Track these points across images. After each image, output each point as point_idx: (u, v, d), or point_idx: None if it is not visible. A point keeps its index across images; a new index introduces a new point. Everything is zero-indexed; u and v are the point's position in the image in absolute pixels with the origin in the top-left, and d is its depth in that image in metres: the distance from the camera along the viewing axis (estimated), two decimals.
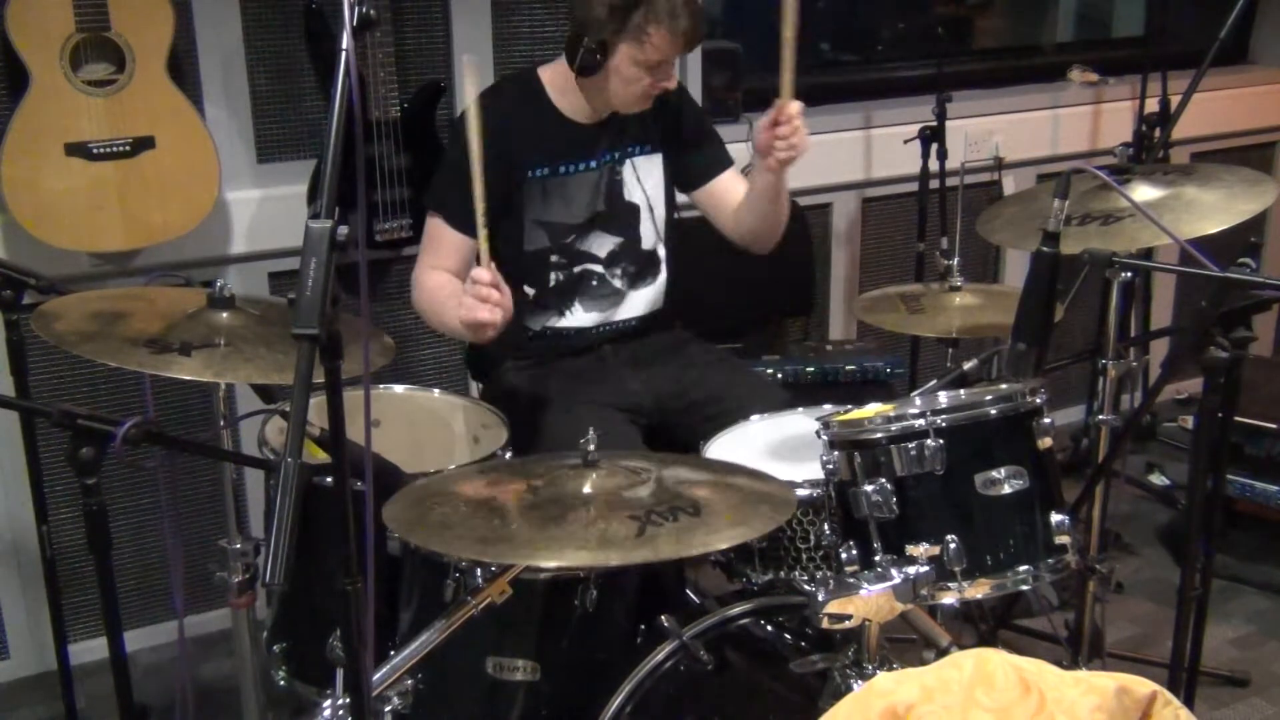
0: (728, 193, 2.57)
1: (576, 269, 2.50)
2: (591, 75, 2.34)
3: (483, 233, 2.01)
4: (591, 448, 1.80)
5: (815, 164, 3.44)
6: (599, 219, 2.49)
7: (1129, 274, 2.05)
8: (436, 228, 2.42)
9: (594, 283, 2.52)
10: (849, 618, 1.63)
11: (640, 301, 2.56)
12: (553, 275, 2.48)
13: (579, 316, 2.52)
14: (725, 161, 2.60)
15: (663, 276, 2.57)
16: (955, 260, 2.65)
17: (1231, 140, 4.08)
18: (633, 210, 2.52)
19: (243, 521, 2.14)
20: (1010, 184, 3.73)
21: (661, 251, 2.57)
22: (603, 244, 2.51)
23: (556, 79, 2.43)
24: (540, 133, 2.42)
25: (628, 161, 2.50)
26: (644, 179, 2.52)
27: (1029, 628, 2.80)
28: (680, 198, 2.62)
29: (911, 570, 1.68)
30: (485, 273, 2.05)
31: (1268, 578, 3.19)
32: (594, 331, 2.53)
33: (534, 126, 2.42)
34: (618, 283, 2.53)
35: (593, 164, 2.46)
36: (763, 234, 2.53)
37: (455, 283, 2.36)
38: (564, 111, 2.44)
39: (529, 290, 2.48)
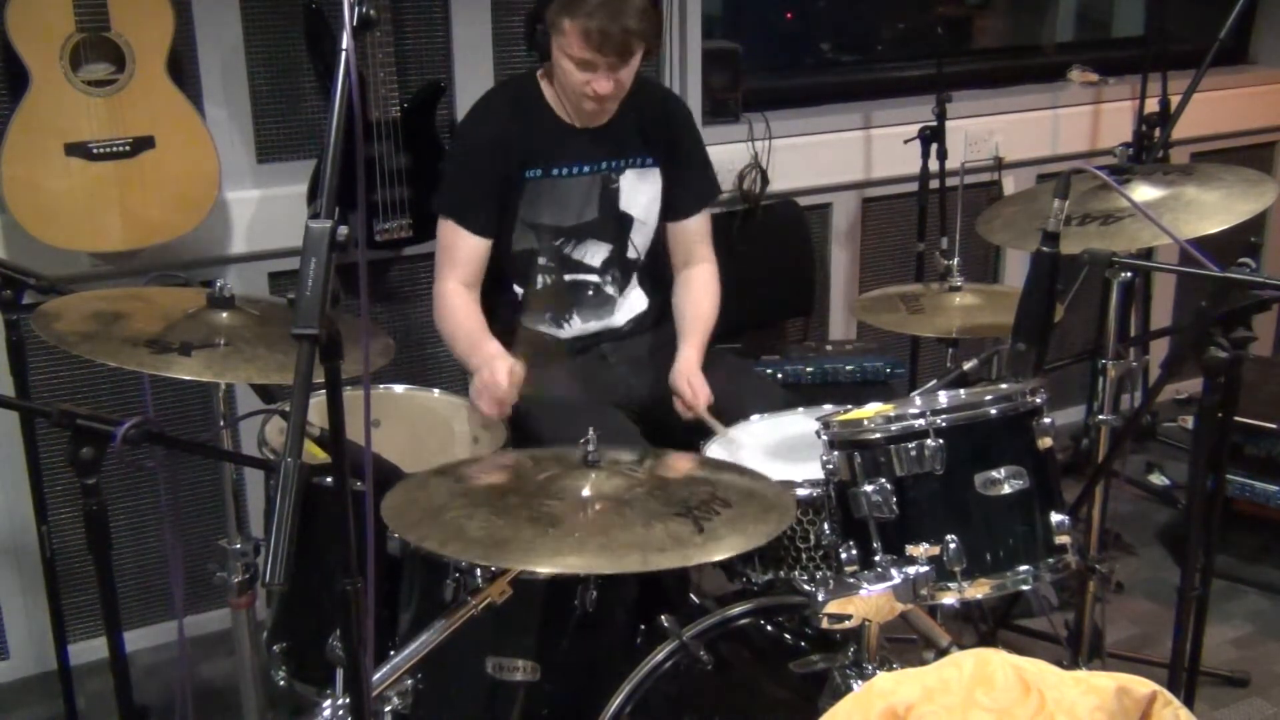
0: (689, 237, 2.58)
1: (568, 277, 2.50)
2: (547, 59, 2.36)
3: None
4: (590, 448, 1.80)
5: (815, 164, 3.46)
6: (592, 226, 2.49)
7: (1129, 274, 2.05)
8: (450, 233, 2.42)
9: (589, 292, 2.53)
10: (849, 618, 1.63)
11: (629, 306, 2.58)
12: (540, 277, 2.49)
13: (576, 326, 2.54)
14: (707, 197, 2.60)
15: (640, 280, 2.60)
16: (955, 260, 2.65)
17: (1231, 140, 4.08)
18: (626, 221, 2.52)
19: (243, 521, 2.13)
20: (1010, 184, 3.73)
21: (643, 261, 2.58)
22: (596, 252, 2.51)
23: (553, 83, 2.44)
24: (536, 134, 2.43)
25: (627, 172, 2.50)
26: (640, 192, 2.52)
27: (1029, 628, 2.80)
28: None
29: (911, 570, 1.68)
30: (505, 384, 2.24)
31: (1268, 578, 3.18)
32: (591, 337, 2.55)
33: (530, 128, 2.42)
34: (610, 289, 2.54)
35: (586, 169, 2.46)
36: None
37: (476, 318, 2.40)
38: (560, 115, 2.45)
39: (518, 289, 2.50)
